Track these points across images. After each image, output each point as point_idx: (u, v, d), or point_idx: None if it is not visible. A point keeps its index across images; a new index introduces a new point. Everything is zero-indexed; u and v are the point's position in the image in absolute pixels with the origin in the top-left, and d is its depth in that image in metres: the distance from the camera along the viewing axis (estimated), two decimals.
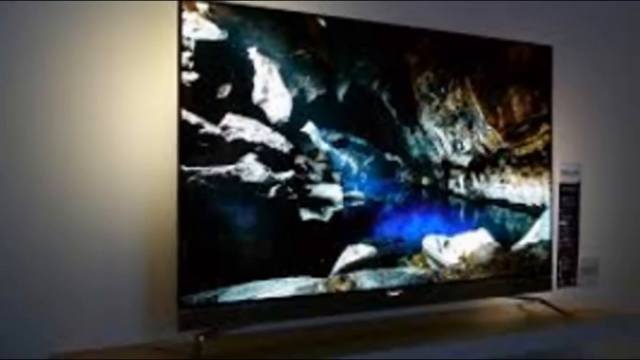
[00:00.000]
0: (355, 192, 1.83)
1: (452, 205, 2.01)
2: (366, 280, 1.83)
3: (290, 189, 1.72)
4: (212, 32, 1.62)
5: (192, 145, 1.59)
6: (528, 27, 2.27)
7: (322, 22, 1.78)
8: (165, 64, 1.67)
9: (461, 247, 2.01)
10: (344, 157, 1.82)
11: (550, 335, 2.04)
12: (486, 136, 2.07)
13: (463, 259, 2.01)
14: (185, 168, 1.58)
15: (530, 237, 2.14)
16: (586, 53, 2.49)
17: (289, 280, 1.71)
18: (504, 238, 2.10)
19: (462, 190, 2.03)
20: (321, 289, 1.76)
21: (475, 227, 2.05)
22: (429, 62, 1.96)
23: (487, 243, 2.06)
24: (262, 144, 1.68)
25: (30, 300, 1.59)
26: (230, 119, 1.64)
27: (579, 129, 2.46)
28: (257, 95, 1.68)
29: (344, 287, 1.80)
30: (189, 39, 1.59)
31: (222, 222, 1.63)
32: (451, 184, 2.01)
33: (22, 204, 1.58)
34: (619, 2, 2.57)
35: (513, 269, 2.11)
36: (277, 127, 1.70)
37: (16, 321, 1.57)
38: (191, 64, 1.59)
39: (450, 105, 2.01)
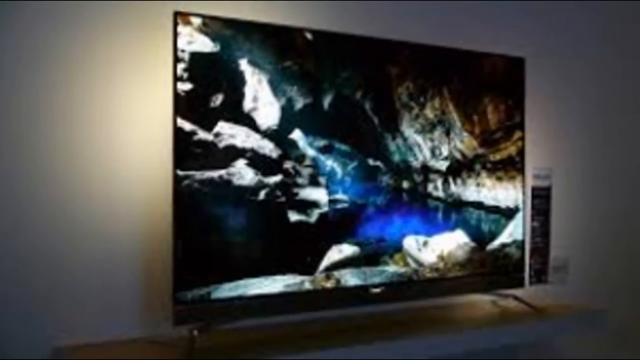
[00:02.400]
0: (339, 195, 1.87)
1: (431, 208, 2.05)
2: (350, 278, 1.87)
3: (278, 192, 1.76)
4: (205, 44, 1.65)
5: (186, 151, 1.62)
6: (502, 40, 2.31)
7: (309, 36, 1.82)
8: (161, 75, 1.70)
9: (439, 247, 2.05)
10: (329, 162, 1.86)
11: (523, 329, 2.08)
12: (463, 142, 2.11)
13: (441, 258, 2.05)
14: (180, 172, 1.62)
15: (504, 238, 2.18)
16: (557, 65, 2.51)
17: (278, 277, 1.75)
18: (480, 238, 2.13)
19: (440, 193, 2.07)
20: (308, 286, 1.79)
21: (453, 228, 2.08)
22: (409, 73, 1.99)
23: (464, 243, 2.10)
24: (252, 150, 1.72)
25: (33, 297, 1.62)
26: (222, 126, 1.67)
27: (550, 136, 2.49)
28: (247, 104, 1.71)
29: (329, 285, 1.83)
30: (183, 51, 1.62)
31: (215, 223, 1.66)
32: (430, 187, 2.05)
33: (26, 205, 1.62)
34: (587, 17, 2.61)
35: (488, 268, 2.14)
36: (266, 134, 1.74)
37: (21, 317, 1.60)
38: (186, 75, 1.62)
39: (429, 113, 2.04)
